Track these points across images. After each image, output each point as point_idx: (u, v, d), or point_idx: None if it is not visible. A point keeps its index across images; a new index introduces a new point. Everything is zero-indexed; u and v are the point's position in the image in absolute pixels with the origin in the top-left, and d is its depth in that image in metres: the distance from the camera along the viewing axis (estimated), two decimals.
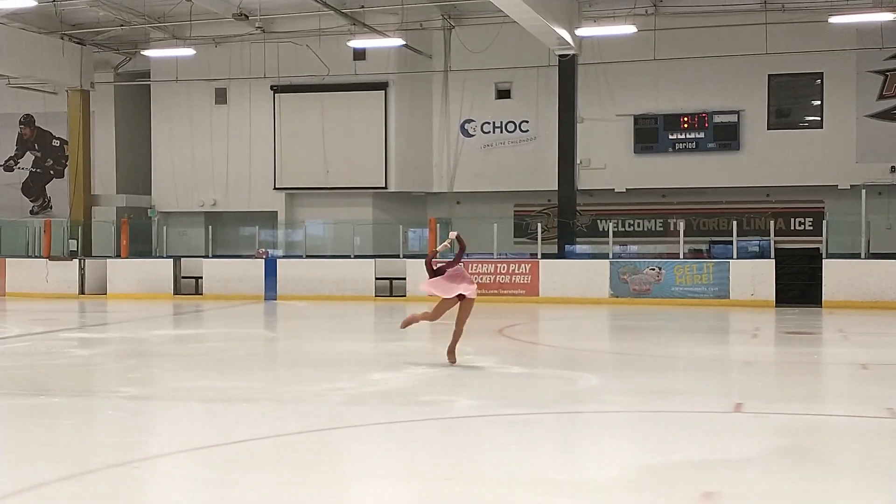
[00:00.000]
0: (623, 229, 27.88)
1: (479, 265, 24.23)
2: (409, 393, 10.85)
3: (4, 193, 33.51)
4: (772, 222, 24.37)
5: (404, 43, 26.61)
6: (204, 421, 9.41)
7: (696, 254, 24.63)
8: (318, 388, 11.10)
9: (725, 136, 26.84)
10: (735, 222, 23.97)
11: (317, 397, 10.47)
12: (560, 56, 25.71)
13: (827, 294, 22.05)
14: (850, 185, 25.35)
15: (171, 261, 26.96)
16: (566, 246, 25.33)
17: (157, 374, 12.75)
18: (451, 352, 12.63)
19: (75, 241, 28.53)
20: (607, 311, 22.17)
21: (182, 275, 26.89)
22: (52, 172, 33.29)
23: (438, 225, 25.51)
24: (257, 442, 8.23)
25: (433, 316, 12.75)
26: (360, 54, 28.19)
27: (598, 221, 27.73)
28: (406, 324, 13.29)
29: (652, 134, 27.35)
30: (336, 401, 10.20)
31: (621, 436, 8.76)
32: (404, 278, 24.76)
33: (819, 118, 26.81)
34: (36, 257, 28.35)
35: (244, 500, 6.60)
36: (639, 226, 28.44)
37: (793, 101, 27.22)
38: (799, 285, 22.51)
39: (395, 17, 26.66)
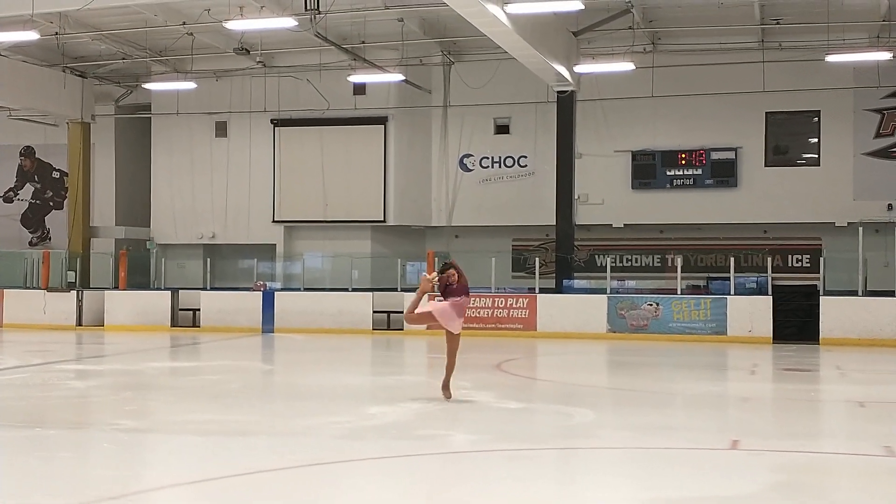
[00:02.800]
0: (621, 264, 27.91)
1: (477, 299, 24.21)
2: (406, 427, 10.84)
3: (3, 225, 33.53)
4: (769, 259, 24.43)
5: (404, 78, 26.77)
6: (201, 454, 9.40)
7: (693, 290, 24.64)
8: (314, 421, 11.08)
9: (723, 173, 26.94)
10: (732, 258, 24.01)
11: (314, 431, 10.46)
12: (558, 92, 25.86)
13: (824, 331, 22.06)
14: (847, 223, 25.41)
15: (168, 293, 26.97)
16: (564, 281, 25.36)
17: (154, 407, 12.74)
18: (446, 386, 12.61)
19: (73, 273, 28.53)
20: (605, 347, 22.16)
21: (180, 307, 26.88)
22: (51, 204, 33.36)
23: (437, 258, 25.52)
24: (254, 475, 8.22)
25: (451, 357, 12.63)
26: (360, 89, 28.34)
27: (596, 256, 27.77)
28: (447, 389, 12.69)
29: (650, 170, 27.45)
30: (333, 435, 10.19)
31: (618, 472, 8.76)
32: (401, 312, 24.69)
33: (816, 156, 26.93)
34: (34, 288, 28.33)
35: None
36: (636, 261, 28.48)
37: (790, 139, 27.34)
38: (796, 322, 22.52)
39: (396, 52, 26.82)
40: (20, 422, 11.10)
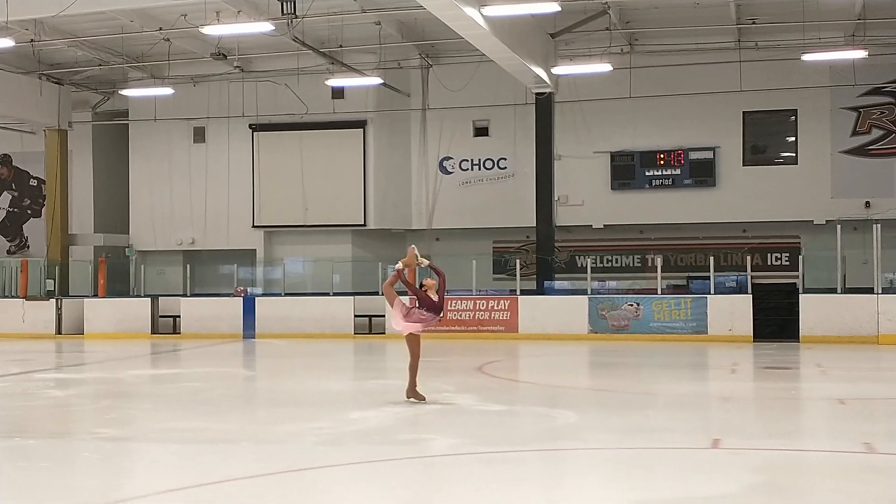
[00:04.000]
0: (601, 265, 27.96)
1: (459, 301, 24.24)
2: (388, 432, 10.82)
3: None
4: (748, 258, 24.52)
5: (382, 82, 26.76)
6: (182, 462, 9.36)
7: (673, 289, 24.70)
8: (296, 427, 11.05)
9: (701, 173, 27.05)
10: (712, 258, 24.09)
11: (295, 437, 10.43)
12: (537, 94, 25.91)
13: (804, 329, 22.16)
14: (826, 221, 25.56)
15: (148, 300, 26.86)
16: (545, 282, 25.40)
17: (135, 415, 12.67)
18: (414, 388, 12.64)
19: (52, 281, 28.38)
20: (586, 347, 22.20)
21: (160, 314, 26.78)
22: (29, 212, 33.15)
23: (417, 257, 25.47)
24: (235, 483, 8.19)
25: (414, 358, 12.67)
26: (338, 93, 28.31)
27: (577, 257, 27.83)
28: (413, 391, 12.65)
29: (629, 171, 27.53)
30: (315, 440, 10.17)
31: (601, 473, 8.77)
32: (383, 315, 24.70)
33: (794, 154, 27.08)
34: (13, 297, 28.15)
35: None
36: (617, 262, 28.55)
37: (768, 138, 27.49)
38: (776, 320, 22.60)
39: (374, 56, 26.81)
40: (0, 432, 11.01)
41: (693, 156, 27.11)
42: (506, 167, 28.54)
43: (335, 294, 26.49)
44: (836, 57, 24.24)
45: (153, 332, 26.41)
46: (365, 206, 28.62)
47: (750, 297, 22.90)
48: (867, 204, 26.06)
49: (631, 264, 28.39)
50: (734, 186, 27.00)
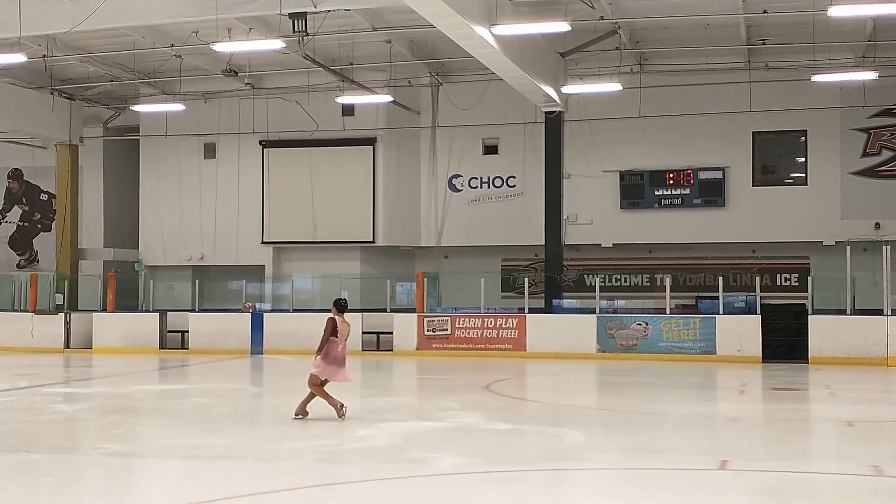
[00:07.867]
0: (610, 284, 27.89)
1: (467, 319, 24.22)
2: (394, 450, 10.80)
3: None
4: (757, 278, 24.45)
5: (392, 99, 26.81)
6: (186, 479, 9.35)
7: (682, 309, 24.61)
8: (302, 445, 11.04)
9: (711, 193, 27.01)
10: (721, 278, 24.02)
11: (300, 454, 10.42)
12: (546, 113, 25.93)
13: (813, 350, 22.06)
14: (835, 242, 25.48)
15: (157, 315, 26.86)
16: (553, 301, 25.35)
17: (141, 431, 12.67)
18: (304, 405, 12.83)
19: (61, 295, 28.41)
20: (594, 367, 22.13)
21: (168, 329, 26.79)
22: (39, 226, 33.26)
23: (426, 279, 25.52)
24: (240, 500, 8.17)
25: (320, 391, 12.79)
26: (348, 110, 28.37)
27: (585, 276, 27.77)
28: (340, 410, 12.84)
29: (638, 190, 27.51)
30: (320, 458, 10.15)
31: (607, 494, 8.73)
32: (391, 332, 24.72)
33: (804, 175, 27.02)
34: (22, 311, 28.20)
35: None
36: (625, 281, 28.48)
37: (777, 158, 27.45)
38: (785, 341, 22.53)
39: (384, 73, 26.88)
40: (6, 446, 11.03)
41: (702, 175, 27.07)
42: (515, 185, 28.54)
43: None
44: (847, 78, 24.20)
45: (161, 348, 26.41)
46: (374, 223, 28.62)
47: (759, 317, 22.82)
48: (877, 225, 25.98)
49: (640, 284, 28.33)
50: (743, 206, 26.95)
